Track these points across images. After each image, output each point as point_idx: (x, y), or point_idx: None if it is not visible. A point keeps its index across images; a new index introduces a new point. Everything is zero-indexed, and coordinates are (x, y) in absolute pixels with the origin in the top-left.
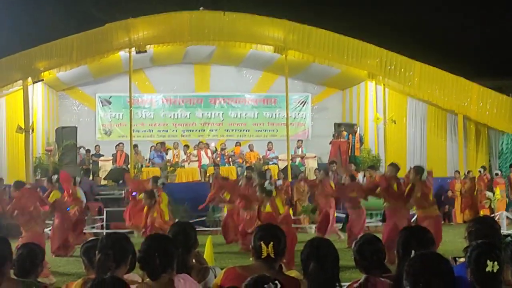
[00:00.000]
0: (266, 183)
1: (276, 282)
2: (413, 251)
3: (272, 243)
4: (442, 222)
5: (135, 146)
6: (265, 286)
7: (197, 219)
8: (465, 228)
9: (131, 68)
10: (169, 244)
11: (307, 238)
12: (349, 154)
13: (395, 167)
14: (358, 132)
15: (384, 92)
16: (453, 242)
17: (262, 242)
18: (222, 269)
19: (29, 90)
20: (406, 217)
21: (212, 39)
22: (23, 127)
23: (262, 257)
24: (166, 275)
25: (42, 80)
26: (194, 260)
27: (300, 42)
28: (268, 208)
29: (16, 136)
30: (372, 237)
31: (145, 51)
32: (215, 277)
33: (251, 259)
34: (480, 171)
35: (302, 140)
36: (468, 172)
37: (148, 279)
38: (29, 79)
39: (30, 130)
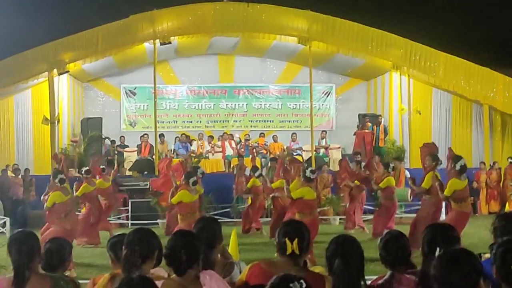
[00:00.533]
0: (308, 170)
1: (302, 281)
2: (437, 249)
3: (297, 239)
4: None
5: (161, 135)
6: (291, 285)
7: (221, 210)
8: (491, 224)
9: (156, 59)
10: (195, 240)
11: (331, 230)
12: (374, 145)
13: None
14: (382, 123)
15: (409, 83)
16: (477, 234)
17: (286, 239)
18: (246, 262)
19: (55, 81)
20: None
21: (236, 30)
22: (48, 118)
23: (287, 253)
24: (192, 271)
25: (68, 71)
26: (219, 255)
27: (324, 33)
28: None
29: (42, 127)
30: (397, 233)
31: (170, 43)
32: (240, 272)
33: (275, 254)
34: (511, 162)
35: (326, 131)
36: (494, 163)
37: (174, 275)
38: (55, 70)
39: (56, 121)
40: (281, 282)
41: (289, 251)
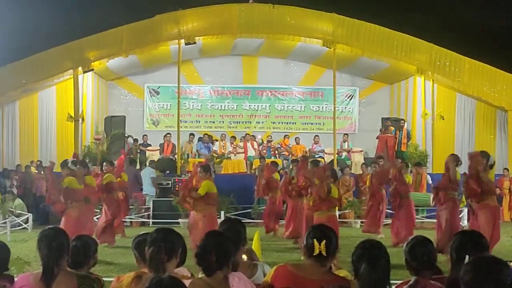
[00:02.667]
0: (337, 169)
1: None
2: (467, 256)
3: (324, 241)
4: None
5: (192, 134)
6: None
7: (243, 211)
8: None
9: (180, 59)
10: (227, 242)
11: (352, 233)
12: (396, 149)
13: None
14: (405, 127)
15: (433, 88)
16: (500, 241)
17: (315, 240)
18: (268, 264)
19: (79, 79)
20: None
21: (261, 31)
22: (73, 115)
23: (314, 254)
24: (221, 272)
25: (93, 69)
26: (245, 257)
27: (349, 36)
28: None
29: (66, 125)
30: (423, 239)
31: (194, 43)
32: (264, 274)
33: (302, 258)
34: None
35: (348, 134)
36: None
37: (203, 275)
38: (80, 68)
39: (80, 119)
40: None
41: (316, 252)
